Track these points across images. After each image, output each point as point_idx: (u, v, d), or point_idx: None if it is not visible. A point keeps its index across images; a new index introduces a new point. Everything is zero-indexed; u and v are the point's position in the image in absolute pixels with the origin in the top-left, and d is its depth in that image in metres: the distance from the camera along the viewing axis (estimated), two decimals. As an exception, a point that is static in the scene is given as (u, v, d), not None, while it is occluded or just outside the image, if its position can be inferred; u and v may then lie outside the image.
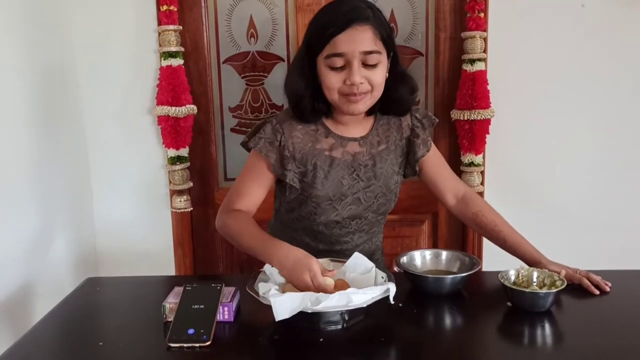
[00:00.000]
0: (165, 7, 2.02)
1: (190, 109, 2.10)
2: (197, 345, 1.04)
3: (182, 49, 2.08)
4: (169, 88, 2.05)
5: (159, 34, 2.06)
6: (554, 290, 1.15)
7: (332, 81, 1.24)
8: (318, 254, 1.28)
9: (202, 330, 1.06)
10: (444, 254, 1.38)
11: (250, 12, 2.18)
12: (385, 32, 1.23)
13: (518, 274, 1.24)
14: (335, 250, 1.42)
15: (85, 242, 2.17)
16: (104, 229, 2.23)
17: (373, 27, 1.21)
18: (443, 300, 1.23)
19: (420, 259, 1.38)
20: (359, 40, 1.20)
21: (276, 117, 1.37)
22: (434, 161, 1.47)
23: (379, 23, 1.22)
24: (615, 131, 2.18)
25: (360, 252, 1.28)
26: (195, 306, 1.12)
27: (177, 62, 2.06)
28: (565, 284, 1.17)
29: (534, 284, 1.22)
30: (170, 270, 2.26)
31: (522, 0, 2.10)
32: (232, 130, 2.27)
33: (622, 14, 2.09)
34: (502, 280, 1.20)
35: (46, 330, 1.17)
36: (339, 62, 1.22)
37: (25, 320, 1.67)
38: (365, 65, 1.22)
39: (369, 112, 1.36)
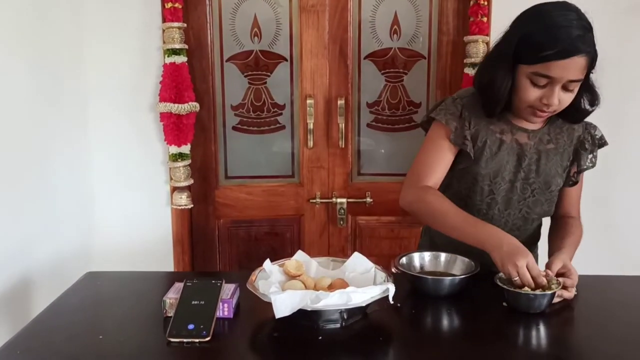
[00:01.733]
0: (170, 5, 2.03)
1: (193, 106, 2.10)
2: (197, 340, 1.05)
3: (186, 47, 2.09)
4: (172, 85, 2.05)
5: (163, 31, 2.06)
6: (548, 292, 1.16)
7: (530, 95, 1.26)
8: (469, 250, 1.30)
9: (202, 326, 1.07)
10: (443, 255, 1.39)
11: (255, 11, 2.19)
12: (595, 56, 1.24)
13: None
14: None
15: (85, 237, 2.17)
16: (104, 224, 2.23)
17: (588, 58, 1.22)
18: (441, 301, 1.24)
19: (419, 260, 1.39)
20: (572, 69, 1.21)
21: (457, 93, 1.41)
22: (577, 186, 1.48)
23: (593, 49, 1.23)
24: (618, 133, 2.18)
25: None
26: (196, 302, 1.13)
27: (181, 59, 2.07)
28: (561, 285, 1.18)
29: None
30: (169, 267, 2.26)
31: (524, 6, 2.09)
32: (234, 128, 2.27)
33: (622, 21, 2.10)
34: (498, 282, 1.21)
35: (46, 323, 1.17)
36: (543, 81, 1.24)
37: (25, 313, 1.67)
38: (564, 88, 1.24)
39: None
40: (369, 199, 2.26)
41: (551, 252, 1.36)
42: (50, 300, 1.27)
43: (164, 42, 2.07)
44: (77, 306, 1.26)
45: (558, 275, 1.22)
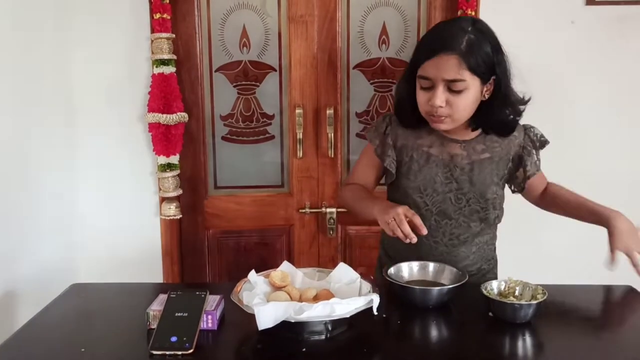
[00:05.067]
0: (158, 15, 2.03)
1: (182, 116, 2.10)
2: (180, 353, 1.04)
3: (175, 57, 2.09)
4: (161, 95, 2.05)
5: (152, 41, 2.06)
6: (534, 302, 1.16)
7: (420, 99, 1.35)
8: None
9: (184, 338, 1.06)
10: (431, 265, 1.39)
11: (244, 21, 2.19)
12: (478, 60, 1.27)
13: (505, 286, 1.24)
14: (439, 260, 1.42)
15: (73, 248, 2.16)
16: (92, 235, 2.21)
17: (459, 58, 1.26)
18: (428, 311, 1.24)
19: (408, 270, 1.39)
20: (443, 68, 1.27)
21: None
22: (536, 178, 1.50)
23: (470, 52, 1.27)
24: (606, 142, 2.20)
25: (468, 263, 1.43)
26: (179, 314, 1.12)
27: (169, 69, 2.07)
28: (546, 296, 1.18)
29: (517, 295, 1.22)
30: (158, 278, 2.25)
31: (512, 16, 2.12)
32: (223, 138, 2.27)
33: (612, 29, 2.12)
34: (484, 291, 1.20)
35: (28, 336, 1.16)
36: (426, 83, 1.31)
37: (10, 326, 1.65)
38: (450, 90, 1.29)
39: (475, 128, 1.42)
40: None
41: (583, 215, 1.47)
42: (35, 313, 1.25)
43: (152, 53, 2.07)
44: (61, 318, 1.25)
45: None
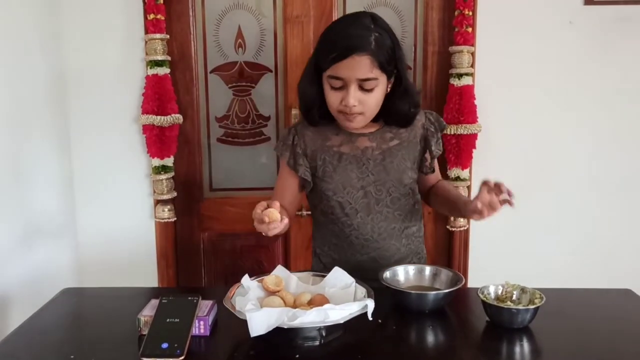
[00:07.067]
0: (152, 16, 2.01)
1: (176, 118, 2.08)
2: (171, 359, 1.02)
3: (169, 58, 2.07)
4: (155, 97, 2.03)
5: (146, 42, 2.04)
6: (531, 306, 1.14)
7: (332, 99, 1.34)
8: (359, 263, 1.42)
9: (175, 345, 1.04)
10: (428, 269, 1.37)
11: (239, 22, 2.17)
12: (386, 58, 1.29)
13: (503, 290, 1.22)
14: (372, 257, 1.44)
15: (68, 251, 2.14)
16: (87, 238, 2.20)
17: (371, 57, 1.27)
18: (424, 316, 1.22)
19: (404, 274, 1.37)
20: (357, 68, 1.28)
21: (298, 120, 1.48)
22: (432, 175, 1.53)
23: (379, 50, 1.28)
24: (604, 145, 2.19)
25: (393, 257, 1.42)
26: (170, 319, 1.10)
27: (164, 71, 2.05)
28: (544, 300, 1.16)
29: (514, 299, 1.20)
30: (153, 281, 2.23)
31: (510, 16, 2.11)
32: (219, 140, 2.25)
33: (610, 30, 2.10)
34: (481, 296, 1.19)
35: (17, 342, 1.14)
36: (337, 83, 1.31)
37: (2, 330, 1.63)
38: (362, 88, 1.31)
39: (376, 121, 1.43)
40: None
41: (455, 209, 1.43)
42: (27, 317, 1.23)
43: (146, 54, 2.05)
44: (51, 324, 1.22)
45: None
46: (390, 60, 1.31)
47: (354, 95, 1.30)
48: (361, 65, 1.27)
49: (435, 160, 1.52)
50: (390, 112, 1.40)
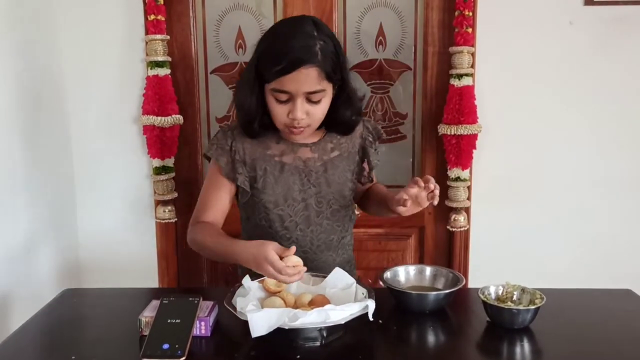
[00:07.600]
0: (152, 17, 2.01)
1: (177, 119, 2.08)
2: (172, 360, 1.02)
3: (169, 59, 2.07)
4: (155, 98, 2.04)
5: (146, 43, 2.05)
6: (532, 307, 1.14)
7: (277, 112, 1.27)
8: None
9: (177, 345, 1.04)
10: (428, 269, 1.37)
11: (239, 22, 2.18)
12: (332, 66, 1.23)
13: (503, 290, 1.22)
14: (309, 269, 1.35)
15: (69, 252, 2.14)
16: (88, 239, 2.20)
17: (319, 68, 1.21)
18: (425, 316, 1.22)
19: (404, 274, 1.37)
20: (304, 81, 1.21)
21: (230, 123, 1.36)
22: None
23: (325, 60, 1.21)
24: (604, 145, 2.19)
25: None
26: (171, 320, 1.10)
27: (164, 71, 2.05)
28: (545, 300, 1.16)
29: (515, 300, 1.20)
30: (154, 282, 2.23)
31: (510, 16, 2.11)
32: (219, 140, 2.25)
33: (610, 30, 2.10)
34: (481, 296, 1.19)
35: (19, 342, 1.14)
36: (283, 97, 1.24)
37: (5, 331, 1.64)
38: (309, 101, 1.25)
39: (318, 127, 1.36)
40: (355, 212, 2.23)
41: (384, 205, 1.33)
42: (28, 318, 1.24)
43: (146, 55, 2.05)
44: (52, 325, 1.22)
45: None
46: (335, 68, 1.24)
47: (301, 109, 1.24)
48: (308, 79, 1.21)
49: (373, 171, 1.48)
50: (333, 120, 1.34)
